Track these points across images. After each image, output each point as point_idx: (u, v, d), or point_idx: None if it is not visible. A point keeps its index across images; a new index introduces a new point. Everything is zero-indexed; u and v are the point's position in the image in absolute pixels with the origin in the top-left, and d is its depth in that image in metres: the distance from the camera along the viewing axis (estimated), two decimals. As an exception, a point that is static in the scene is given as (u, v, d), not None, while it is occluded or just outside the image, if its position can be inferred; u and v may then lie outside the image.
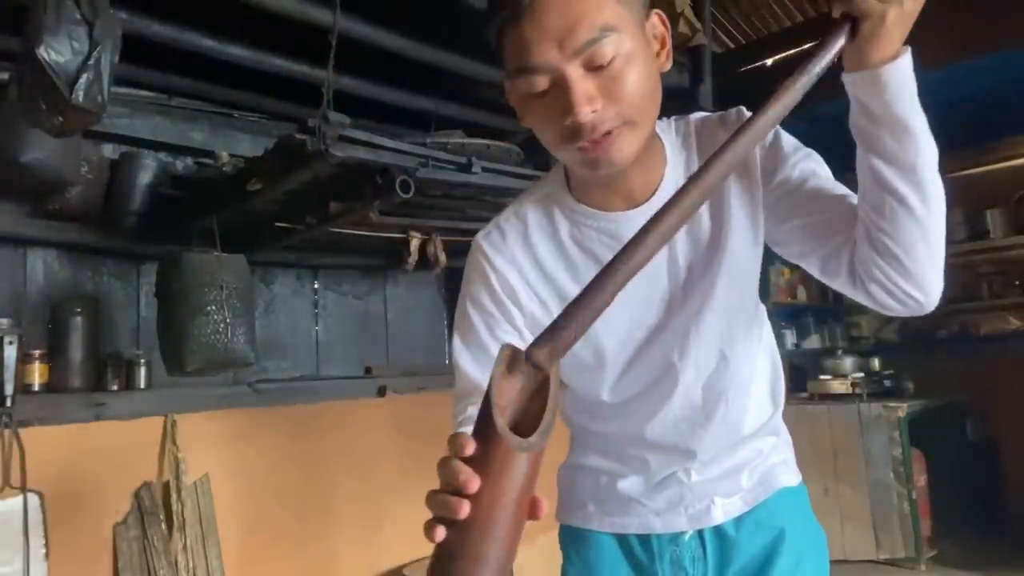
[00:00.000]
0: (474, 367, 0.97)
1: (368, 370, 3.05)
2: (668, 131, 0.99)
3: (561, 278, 0.99)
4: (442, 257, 2.53)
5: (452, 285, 3.44)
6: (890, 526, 3.63)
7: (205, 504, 2.30)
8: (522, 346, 0.68)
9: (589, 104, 0.80)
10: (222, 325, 2.05)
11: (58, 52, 1.50)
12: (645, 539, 1.09)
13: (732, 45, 4.09)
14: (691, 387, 1.02)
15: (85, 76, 1.53)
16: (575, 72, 0.79)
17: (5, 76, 1.83)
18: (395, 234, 2.46)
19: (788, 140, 0.96)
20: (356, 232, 2.32)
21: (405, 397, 2.89)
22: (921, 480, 3.68)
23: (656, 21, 0.89)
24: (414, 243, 2.48)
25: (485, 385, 0.95)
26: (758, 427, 1.08)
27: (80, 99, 1.54)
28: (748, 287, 1.02)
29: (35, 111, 1.59)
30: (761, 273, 1.03)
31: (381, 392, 2.86)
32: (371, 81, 2.50)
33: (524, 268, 0.99)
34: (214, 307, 2.05)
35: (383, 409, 2.84)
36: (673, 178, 0.96)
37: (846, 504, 3.73)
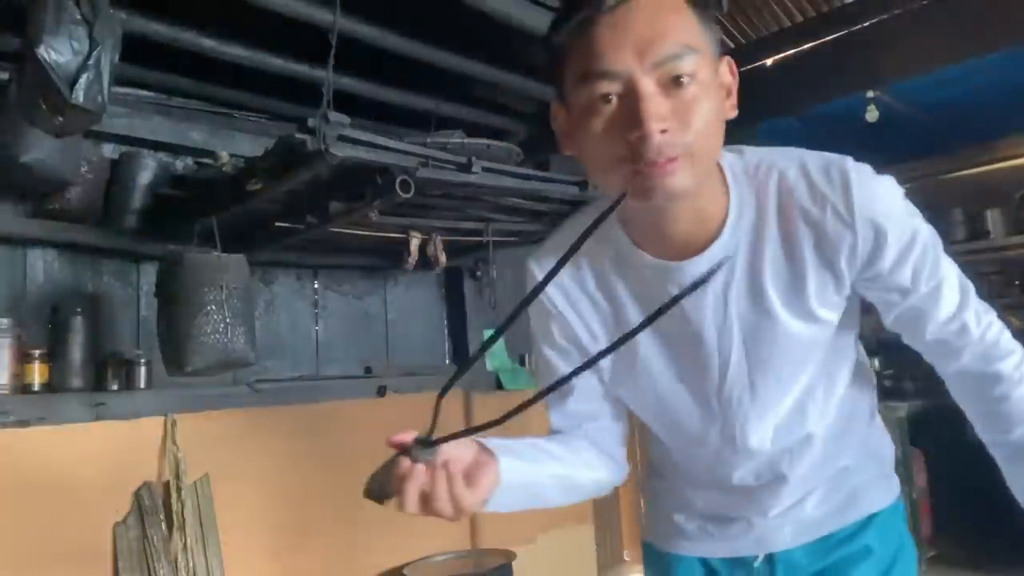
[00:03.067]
0: (559, 362, 1.00)
1: (368, 370, 3.05)
2: (741, 174, 0.88)
3: (604, 312, 0.97)
4: (442, 257, 2.52)
5: (452, 285, 3.43)
6: (890, 526, 3.62)
7: (205, 504, 2.30)
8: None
9: (660, 122, 0.73)
10: (222, 325, 2.05)
11: (58, 52, 1.50)
12: (716, 562, 1.10)
13: (732, 45, 4.08)
14: (759, 455, 1.00)
15: (85, 76, 1.53)
16: (649, 86, 0.74)
17: (5, 76, 1.83)
18: (395, 234, 2.46)
19: (898, 257, 0.89)
20: (356, 232, 2.32)
21: (405, 397, 2.88)
22: (921, 480, 3.67)
23: (726, 69, 0.85)
24: (414, 243, 2.47)
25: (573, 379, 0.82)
26: (849, 454, 1.09)
27: (80, 99, 1.53)
28: (825, 349, 0.97)
29: (35, 111, 1.59)
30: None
31: (381, 392, 2.85)
32: (371, 81, 2.50)
33: (572, 295, 0.97)
34: (214, 307, 2.05)
35: (383, 409, 2.84)
36: (735, 229, 0.86)
37: (846, 504, 3.72)
